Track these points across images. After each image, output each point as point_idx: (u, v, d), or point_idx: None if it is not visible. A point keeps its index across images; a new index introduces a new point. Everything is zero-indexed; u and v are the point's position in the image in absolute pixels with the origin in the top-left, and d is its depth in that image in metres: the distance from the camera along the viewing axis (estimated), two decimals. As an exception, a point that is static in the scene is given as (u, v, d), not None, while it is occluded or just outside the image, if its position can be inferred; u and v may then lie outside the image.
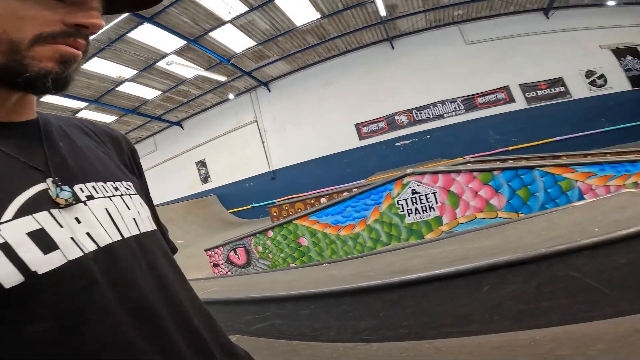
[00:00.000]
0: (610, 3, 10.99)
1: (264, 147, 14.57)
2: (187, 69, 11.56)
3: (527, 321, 1.77)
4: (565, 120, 10.79)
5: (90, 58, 10.01)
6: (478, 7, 11.24)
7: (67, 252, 0.42)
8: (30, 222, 0.41)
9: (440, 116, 11.91)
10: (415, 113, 12.15)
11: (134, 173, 0.65)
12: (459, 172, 3.95)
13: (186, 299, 0.55)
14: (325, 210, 4.89)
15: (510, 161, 5.61)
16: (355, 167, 12.47)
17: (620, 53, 10.99)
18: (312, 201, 7.49)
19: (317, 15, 10.36)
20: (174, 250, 0.71)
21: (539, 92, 11.24)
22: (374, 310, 2.07)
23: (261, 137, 14.56)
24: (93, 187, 0.50)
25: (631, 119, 10.36)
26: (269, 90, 14.35)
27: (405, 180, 4.20)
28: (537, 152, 8.27)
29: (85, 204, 0.48)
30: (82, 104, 12.55)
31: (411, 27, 11.90)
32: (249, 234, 5.84)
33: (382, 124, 12.58)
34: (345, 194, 6.40)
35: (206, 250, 6.55)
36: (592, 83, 10.99)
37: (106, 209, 0.50)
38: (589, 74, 11.03)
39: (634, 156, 3.72)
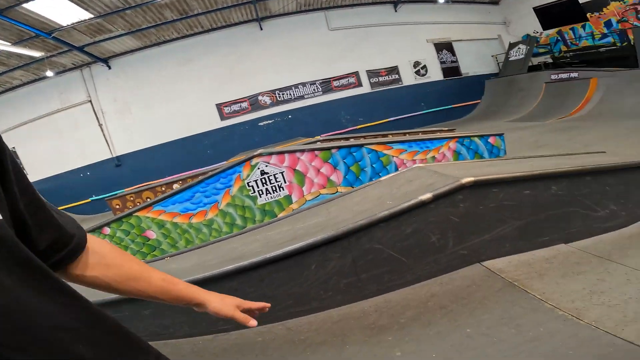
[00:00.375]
0: (441, 0, 13.30)
1: (102, 130, 12.16)
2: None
3: (354, 293, 1.99)
4: (398, 103, 13.00)
5: None
6: (341, -5, 11.97)
7: None
8: None
9: (301, 97, 12.56)
10: (278, 94, 12.42)
11: None
12: (302, 151, 4.17)
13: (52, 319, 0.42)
14: (171, 198, 4.42)
15: (352, 139, 6.33)
16: (218, 149, 11.89)
17: (439, 47, 13.75)
18: (163, 188, 6.70)
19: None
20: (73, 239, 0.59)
21: (380, 78, 13.11)
22: None
23: (98, 119, 12.12)
24: None
25: (441, 104, 13.34)
26: (109, 67, 12.04)
27: (254, 161, 4.18)
28: (376, 131, 9.67)
29: None
30: None
31: (282, 9, 11.81)
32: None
33: (245, 105, 12.37)
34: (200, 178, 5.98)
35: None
36: (417, 72, 13.49)
37: None
38: (416, 64, 13.47)
39: (431, 135, 4.70)
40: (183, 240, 4.56)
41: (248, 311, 0.81)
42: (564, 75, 10.30)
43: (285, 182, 4.25)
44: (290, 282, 2.04)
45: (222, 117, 12.34)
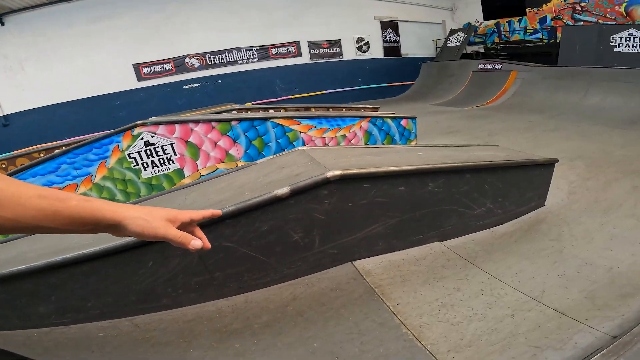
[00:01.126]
0: None
1: None
2: None
3: (211, 292, 1.67)
4: (335, 76, 12.66)
5: None
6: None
7: None
8: None
9: (234, 62, 11.63)
10: (209, 57, 11.39)
11: None
12: (197, 122, 3.61)
13: None
14: (31, 169, 3.60)
15: (271, 111, 5.83)
16: (132, 110, 10.58)
17: (385, 25, 13.52)
18: (43, 154, 5.61)
19: None
20: None
21: (322, 50, 12.57)
22: (43, 296, 1.66)
23: None
24: None
25: (377, 82, 13.30)
26: (2, 24, 9.96)
27: (136, 131, 3.52)
28: (311, 102, 9.27)
29: None
30: None
31: None
32: None
33: (168, 66, 11.16)
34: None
35: None
36: (359, 48, 13.18)
37: None
38: (359, 39, 13.12)
39: (342, 112, 4.42)
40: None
41: (189, 226, 0.62)
42: (490, 66, 10.77)
43: (175, 155, 3.68)
44: (127, 279, 1.67)
45: (140, 77, 11.02)
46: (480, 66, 11.12)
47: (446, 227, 2.14)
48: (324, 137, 4.04)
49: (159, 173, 3.71)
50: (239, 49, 11.59)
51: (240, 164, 3.86)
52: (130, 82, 10.88)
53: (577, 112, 6.96)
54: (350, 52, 13.09)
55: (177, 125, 3.60)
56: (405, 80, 13.57)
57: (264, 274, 1.81)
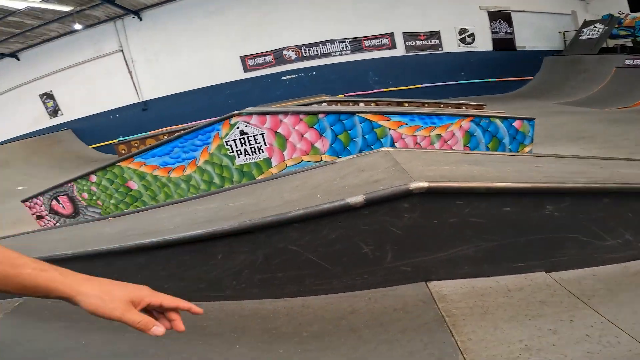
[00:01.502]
0: None
1: (132, 77, 12.82)
2: (13, 1, 9.05)
3: (273, 290, 1.68)
4: (433, 69, 11.72)
5: None
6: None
7: None
8: None
9: (328, 54, 11.86)
10: (304, 49, 11.86)
11: None
12: (285, 113, 3.70)
13: None
14: (151, 151, 4.24)
15: (361, 104, 5.68)
16: (239, 99, 11.81)
17: (494, 16, 12.01)
18: (166, 137, 6.61)
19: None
20: None
21: (418, 42, 11.79)
22: (130, 273, 1.84)
23: (128, 67, 12.72)
24: None
25: (484, 76, 11.86)
26: (140, 19, 12.27)
27: (233, 120, 3.79)
28: (406, 96, 8.78)
29: None
30: None
31: None
32: (68, 180, 4.85)
33: (269, 58, 12.03)
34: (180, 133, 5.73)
35: (24, 201, 5.32)
36: (462, 40, 11.95)
37: None
38: (462, 31, 11.90)
39: (439, 110, 3.97)
40: (162, 193, 4.44)
41: (159, 309, 0.62)
42: None
43: (265, 145, 3.86)
44: (199, 267, 1.77)
45: (246, 69, 12.19)
46: (627, 62, 9.16)
47: (559, 257, 1.67)
48: (416, 136, 3.70)
49: (250, 161, 3.95)
50: (332, 42, 11.75)
51: (324, 157, 3.83)
52: (237, 73, 12.13)
53: None
54: (451, 44, 11.99)
55: (267, 116, 3.74)
56: (521, 76, 11.79)
57: (326, 280, 1.69)
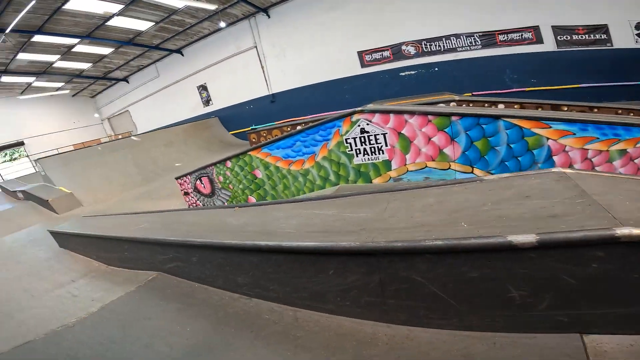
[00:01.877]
0: None
1: (263, 71, 14.24)
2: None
3: (376, 313, 1.55)
4: (598, 67, 9.16)
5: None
6: None
7: None
8: None
9: (453, 50, 10.63)
10: (425, 44, 10.97)
11: None
12: (412, 113, 3.38)
13: None
14: (276, 143, 4.53)
15: (500, 105, 4.87)
16: (356, 95, 11.84)
17: None
18: (290, 128, 7.08)
19: None
20: None
21: (574, 37, 9.39)
22: (244, 269, 2.01)
23: (260, 62, 14.15)
24: None
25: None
26: (269, 17, 13.42)
27: (355, 117, 3.69)
28: (554, 98, 7.20)
29: None
30: (75, 40, 12.65)
31: None
32: (210, 163, 5.65)
33: (387, 53, 11.58)
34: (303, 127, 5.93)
35: (177, 179, 6.50)
36: None
37: None
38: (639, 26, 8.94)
39: (629, 118, 3.00)
40: (281, 184, 4.72)
41: None
42: None
43: (386, 145, 3.64)
44: (306, 277, 1.73)
45: (363, 64, 12.03)
46: None
47: None
48: (586, 149, 2.89)
49: (368, 161, 3.80)
50: (457, 36, 10.42)
51: (453, 165, 3.38)
52: (355, 69, 12.07)
53: None
54: (624, 39, 9.04)
55: (391, 115, 3.50)
56: None
57: (444, 314, 1.39)
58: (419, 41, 10.98)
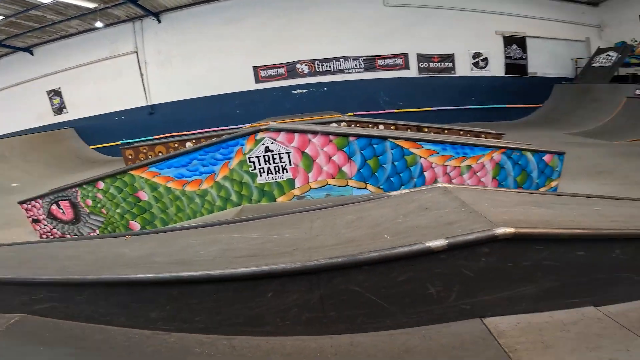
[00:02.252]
0: None
1: (142, 79, 12.71)
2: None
3: (317, 328, 1.56)
4: (445, 93, 11.80)
5: None
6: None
7: None
8: None
9: (341, 71, 11.88)
10: (317, 64, 11.88)
11: None
12: (315, 133, 3.59)
13: None
14: (168, 161, 4.08)
15: (381, 127, 5.61)
16: (248, 110, 11.78)
17: (509, 41, 12.15)
18: (177, 144, 6.48)
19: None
20: None
21: (431, 64, 11.89)
22: (159, 303, 1.70)
23: (140, 69, 12.63)
24: None
25: (495, 102, 11.96)
26: (159, 22, 12.30)
27: (259, 136, 3.67)
28: (415, 119, 8.77)
29: None
30: None
31: None
32: (73, 184, 4.66)
33: (282, 70, 12.00)
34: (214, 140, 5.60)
35: (20, 203, 5.10)
36: (476, 64, 12.07)
37: None
38: (476, 55, 12.05)
39: (473, 140, 3.90)
40: (174, 207, 4.27)
41: None
42: None
43: (290, 164, 3.73)
44: (241, 303, 1.61)
45: (258, 79, 12.14)
46: (637, 92, 9.03)
47: (609, 294, 1.62)
48: (446, 166, 3.61)
49: (272, 180, 3.81)
50: (346, 58, 11.79)
51: (350, 182, 3.71)
52: (249, 84, 12.04)
53: None
54: (464, 68, 12.08)
55: (296, 134, 3.64)
56: (531, 103, 11.88)
57: (378, 318, 1.57)
58: (313, 61, 11.76)
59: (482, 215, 1.48)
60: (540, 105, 11.69)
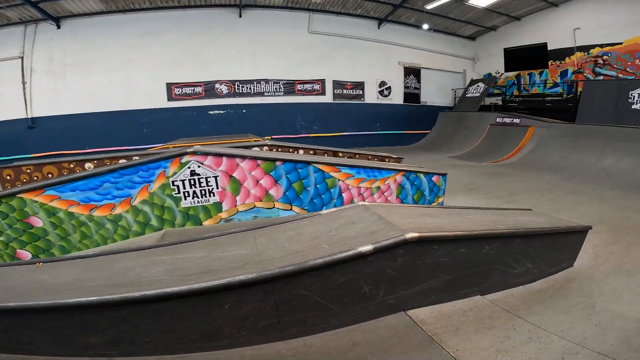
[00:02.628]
0: (425, 27, 13.64)
1: (24, 88, 10.69)
2: None
3: (273, 334, 1.70)
4: (356, 119, 13.11)
5: None
6: (333, 1, 11.74)
7: None
8: None
9: (261, 94, 12.08)
10: (238, 85, 11.85)
11: None
12: (244, 157, 3.73)
13: None
14: (71, 183, 3.66)
15: (301, 151, 6.01)
16: (157, 129, 10.91)
17: (408, 71, 14.03)
18: (72, 165, 5.67)
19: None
20: None
21: (345, 91, 13.11)
22: (100, 327, 1.62)
23: (23, 76, 10.63)
24: None
25: (395, 128, 13.74)
26: (58, 27, 10.67)
27: (185, 159, 3.63)
28: (328, 143, 9.52)
29: None
30: None
31: (268, 0, 11.34)
32: None
33: (199, 89, 11.59)
34: (122, 161, 5.13)
35: None
36: (381, 92, 13.72)
37: None
38: (382, 84, 13.70)
39: (381, 164, 4.57)
40: (78, 233, 3.80)
41: None
42: (508, 120, 10.63)
43: (217, 188, 3.76)
44: (195, 319, 1.65)
45: (170, 97, 11.44)
46: (498, 119, 10.98)
47: (488, 283, 2.26)
48: (360, 187, 4.14)
49: (198, 204, 3.77)
50: (267, 81, 12.08)
51: (277, 204, 3.93)
52: (160, 101, 11.28)
53: (593, 174, 6.95)
54: (371, 95, 13.58)
55: (224, 159, 3.71)
56: (422, 129, 13.95)
57: (325, 319, 1.84)
58: (233, 82, 11.65)
59: (394, 225, 1.90)
60: (429, 131, 13.81)
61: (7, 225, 3.75)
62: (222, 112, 11.70)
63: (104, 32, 10.94)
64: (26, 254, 3.89)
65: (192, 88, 11.51)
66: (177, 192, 3.70)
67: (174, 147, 6.14)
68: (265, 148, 5.72)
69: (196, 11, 11.37)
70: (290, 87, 12.35)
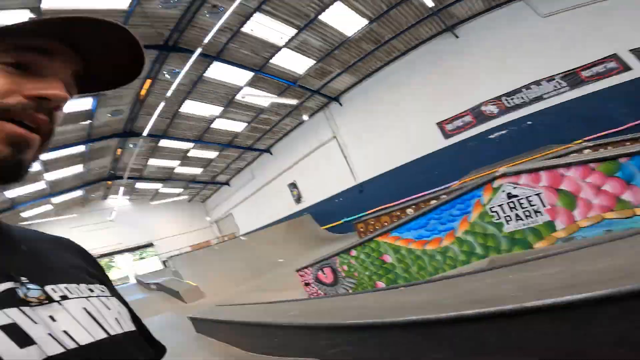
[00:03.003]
0: None
1: (346, 161, 14.86)
2: (261, 98, 12.83)
3: None
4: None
5: (183, 101, 11.95)
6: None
7: (46, 347, 0.37)
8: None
9: (539, 98, 10.10)
10: (506, 100, 10.60)
11: (102, 280, 0.59)
12: (568, 166, 3.16)
13: None
14: (406, 225, 4.52)
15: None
16: (445, 168, 11.34)
17: None
18: (398, 212, 7.04)
19: (365, 22, 10.28)
20: (162, 351, 0.63)
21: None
22: (448, 343, 1.82)
23: (342, 151, 14.90)
24: (66, 287, 0.46)
25: None
26: (341, 105, 14.65)
27: (496, 183, 3.58)
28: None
29: (60, 304, 0.43)
30: (190, 145, 15.56)
31: (468, 11, 10.79)
32: (333, 253, 5.80)
33: (468, 118, 11.33)
34: (432, 202, 5.87)
35: (297, 271, 6.76)
36: None
37: (84, 308, 0.46)
38: None
39: None
40: (416, 266, 4.53)
41: None
42: None
43: (544, 206, 3.36)
44: (553, 337, 1.46)
45: (445, 134, 11.87)
46: None
47: None
48: None
49: (524, 227, 3.50)
50: (538, 82, 10.00)
51: (638, 211, 2.93)
52: (438, 142, 11.91)
53: None
54: None
55: (542, 173, 3.32)
56: None
57: None
58: (499, 97, 10.70)
59: None
60: None
61: (370, 263, 5.13)
62: (502, 132, 10.67)
63: (367, 96, 13.55)
64: (382, 285, 5.08)
65: (461, 119, 11.40)
66: (497, 218, 3.64)
67: (470, 180, 6.27)
68: (586, 151, 4.62)
69: (417, 51, 12.14)
70: (573, 77, 9.48)
